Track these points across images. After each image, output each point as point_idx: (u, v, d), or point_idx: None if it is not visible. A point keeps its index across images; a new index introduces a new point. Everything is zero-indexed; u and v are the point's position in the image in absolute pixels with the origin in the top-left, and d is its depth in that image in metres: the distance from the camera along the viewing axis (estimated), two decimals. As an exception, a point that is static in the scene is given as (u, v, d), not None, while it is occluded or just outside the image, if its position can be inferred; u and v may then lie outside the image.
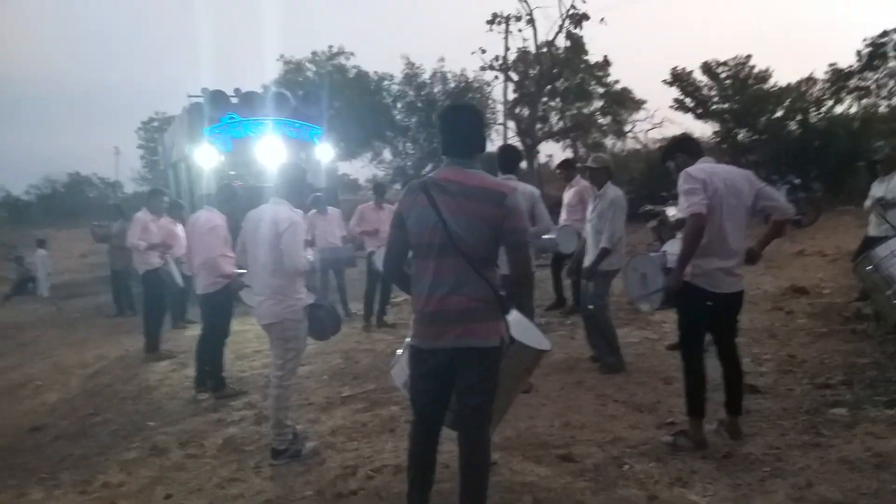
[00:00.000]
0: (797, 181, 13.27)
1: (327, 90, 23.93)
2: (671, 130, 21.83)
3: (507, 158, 5.42)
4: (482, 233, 2.80)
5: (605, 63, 24.14)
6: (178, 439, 5.00)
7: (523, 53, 20.82)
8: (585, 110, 26.47)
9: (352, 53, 26.21)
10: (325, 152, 12.61)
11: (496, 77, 21.86)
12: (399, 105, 23.96)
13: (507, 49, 20.29)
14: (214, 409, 5.62)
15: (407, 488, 3.08)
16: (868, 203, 7.42)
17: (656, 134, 23.45)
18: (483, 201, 2.80)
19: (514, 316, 3.46)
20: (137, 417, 5.72)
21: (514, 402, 4.90)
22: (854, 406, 4.35)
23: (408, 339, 3.10)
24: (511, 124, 22.56)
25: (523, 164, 20.11)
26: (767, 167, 16.46)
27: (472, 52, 23.06)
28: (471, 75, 22.72)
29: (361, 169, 26.64)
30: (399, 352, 3.45)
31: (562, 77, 21.60)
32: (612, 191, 5.63)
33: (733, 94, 17.80)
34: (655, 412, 4.64)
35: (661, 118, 25.21)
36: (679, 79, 18.20)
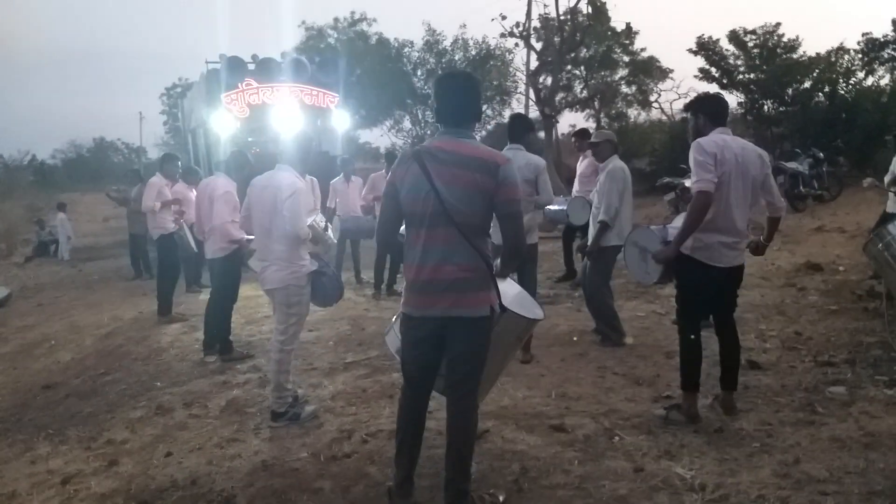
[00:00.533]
0: (820, 155, 12.98)
1: (348, 57, 23.91)
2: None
3: (517, 127, 5.37)
4: (475, 202, 2.79)
5: (631, 31, 23.70)
6: (182, 399, 5.11)
7: (545, 20, 20.44)
8: (610, 79, 26.07)
9: (374, 20, 26.03)
10: (341, 119, 12.58)
11: (517, 45, 21.51)
12: (419, 73, 23.73)
13: (528, 16, 20.00)
14: (221, 372, 5.72)
15: (395, 452, 3.13)
16: (888, 178, 7.25)
17: (682, 104, 23.01)
18: (476, 171, 2.78)
19: (507, 284, 3.47)
20: (146, 378, 5.84)
21: (514, 373, 5.01)
22: (854, 385, 4.30)
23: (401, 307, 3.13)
24: (532, 93, 22.22)
25: (541, 134, 19.84)
26: (794, 140, 16.14)
27: (493, 19, 22.77)
28: (492, 42, 22.44)
29: (381, 137, 26.42)
30: (394, 318, 3.47)
31: (583, 45, 21.17)
32: (612, 163, 5.54)
33: (761, 64, 17.38)
34: (654, 386, 4.64)
35: (687, 88, 24.83)
36: (705, 48, 17.79)
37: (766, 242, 3.98)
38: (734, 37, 17.41)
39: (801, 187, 12.52)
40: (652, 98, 25.83)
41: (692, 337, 3.81)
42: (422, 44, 23.27)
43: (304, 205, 4.17)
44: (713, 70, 18.06)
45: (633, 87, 26.18)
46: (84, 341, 7.47)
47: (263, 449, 4.04)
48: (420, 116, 23.85)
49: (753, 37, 17.34)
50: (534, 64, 21.76)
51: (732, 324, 3.95)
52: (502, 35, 21.02)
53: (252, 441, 4.19)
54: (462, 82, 3.00)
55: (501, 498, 3.11)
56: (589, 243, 5.63)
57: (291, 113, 11.71)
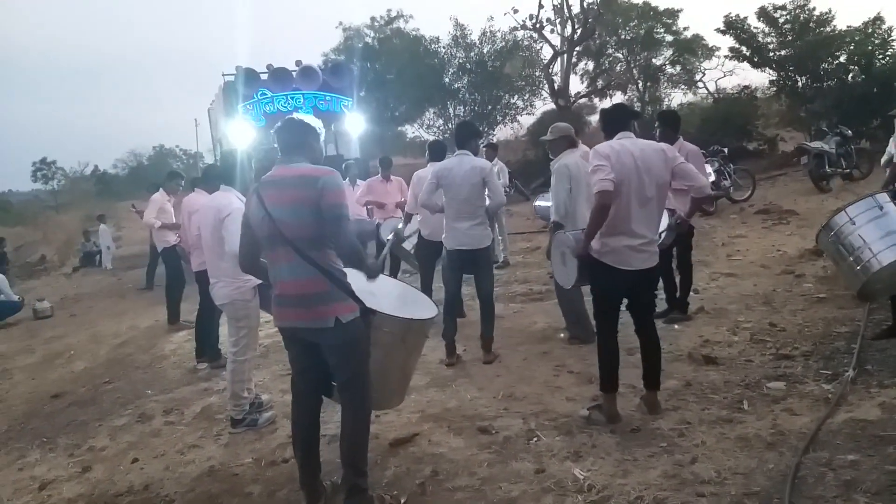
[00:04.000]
0: (848, 132, 12.51)
1: (385, 55, 24.23)
2: (743, 78, 20.78)
3: (462, 134, 5.54)
4: (302, 216, 3.02)
5: (674, 10, 23.14)
6: (164, 407, 5.43)
7: (558, 10, 20.22)
8: (654, 60, 25.53)
9: (410, 16, 26.20)
10: (355, 123, 12.83)
11: (530, 37, 21.34)
12: (449, 69, 23.83)
13: (540, 6, 19.83)
14: (206, 379, 6.04)
15: (299, 467, 3.35)
16: (884, 159, 7.04)
17: (727, 83, 22.31)
18: (300, 187, 3.04)
19: (391, 287, 3.64)
20: (141, 385, 6.22)
21: (472, 374, 5.15)
22: (796, 380, 4.27)
23: None
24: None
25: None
26: (829, 117, 15.57)
27: (505, 13, 22.70)
28: (519, 34, 22.30)
29: (413, 134, 26.58)
30: None
31: (595, 33, 20.83)
32: (558, 161, 5.54)
33: (793, 40, 16.80)
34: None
35: (732, 66, 23.84)
36: (732, 26, 17.30)
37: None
38: (763, 13, 16.86)
39: (827, 167, 12.10)
40: (696, 77, 25.23)
41: (608, 339, 3.86)
42: (449, 39, 23.33)
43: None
44: (743, 49, 17.55)
45: (678, 68, 25.62)
46: (100, 351, 7.94)
47: (216, 454, 4.29)
48: (451, 112, 23.95)
49: (784, 12, 16.77)
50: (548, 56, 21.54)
51: (651, 324, 3.99)
52: (513, 29, 20.96)
53: (210, 447, 4.45)
54: (292, 122, 3.28)
55: (403, 500, 3.27)
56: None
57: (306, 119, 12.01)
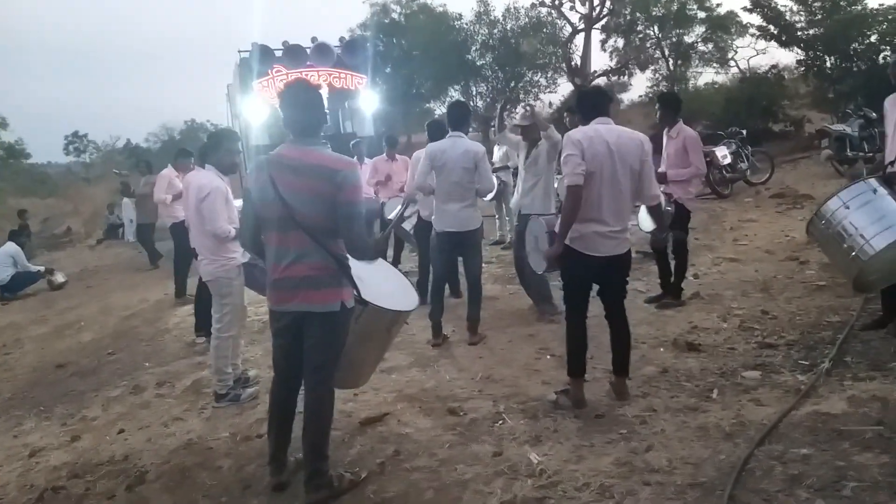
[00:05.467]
0: (873, 115, 12.13)
1: (410, 31, 24.08)
2: (771, 57, 20.12)
3: (456, 115, 5.52)
4: (317, 207, 3.01)
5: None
6: (158, 379, 5.57)
7: None
8: (686, 38, 24.96)
9: (437, -9, 25.88)
10: (369, 100, 12.83)
11: (548, 13, 21.01)
12: (473, 45, 23.62)
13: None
14: (202, 353, 6.14)
15: (267, 432, 3.42)
16: None
17: (759, 61, 21.65)
18: (317, 178, 3.01)
19: (384, 275, 3.67)
20: (140, 357, 6.38)
21: (455, 355, 5.19)
22: (773, 369, 4.22)
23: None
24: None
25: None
26: (858, 98, 15.12)
27: None
28: (543, 11, 21.98)
29: (440, 111, 26.42)
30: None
31: (612, 13, 20.43)
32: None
33: (823, 19, 16.28)
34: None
35: (764, 45, 23.09)
36: (759, 5, 16.82)
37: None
38: (793, -11, 16.36)
39: (849, 150, 11.78)
40: (729, 55, 24.58)
41: (576, 324, 3.86)
42: (472, 16, 23.10)
43: (220, 204, 4.43)
44: (771, 27, 17.07)
45: (710, 45, 25.01)
46: (108, 322, 8.15)
47: (196, 428, 4.41)
48: (473, 91, 23.79)
49: (814, -11, 16.24)
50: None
51: (621, 311, 3.98)
52: (532, 5, 20.66)
53: (192, 420, 4.57)
54: (305, 93, 3.18)
55: (363, 475, 3.34)
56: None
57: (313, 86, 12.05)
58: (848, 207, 4.25)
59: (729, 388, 3.99)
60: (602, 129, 3.70)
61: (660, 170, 5.98)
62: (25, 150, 31.61)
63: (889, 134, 4.77)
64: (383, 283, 3.58)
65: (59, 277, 11.34)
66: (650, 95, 22.67)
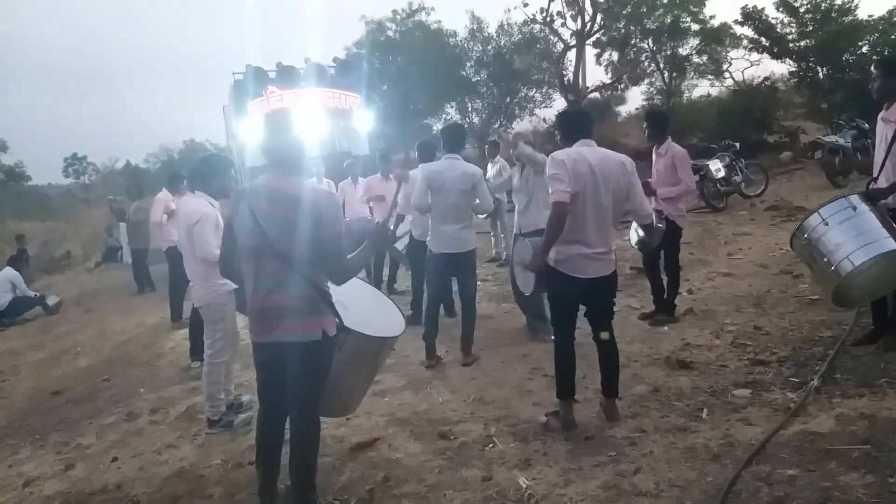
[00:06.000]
0: (865, 125, 12.21)
1: (406, 49, 24.23)
2: (765, 69, 20.21)
3: (452, 137, 5.55)
4: (296, 237, 3.03)
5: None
6: (152, 405, 5.57)
7: (571, 3, 19.94)
8: (681, 50, 25.10)
9: (432, 9, 26.05)
10: (364, 120, 12.90)
11: (541, 30, 21.13)
12: (467, 62, 23.77)
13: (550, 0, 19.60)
14: (197, 378, 6.10)
15: (257, 472, 3.41)
16: None
17: (754, 72, 21.73)
18: (294, 209, 3.03)
19: (368, 300, 3.68)
20: (136, 383, 6.39)
21: (448, 376, 5.20)
22: (764, 387, 4.23)
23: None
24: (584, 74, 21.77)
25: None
26: (851, 109, 15.19)
27: (514, 7, 22.49)
28: (537, 27, 22.12)
29: (438, 128, 26.50)
30: None
31: (603, 28, 20.56)
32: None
33: (814, 30, 16.40)
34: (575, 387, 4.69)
35: (758, 56, 23.18)
36: (750, 17, 16.95)
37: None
38: (783, 3, 16.46)
39: (842, 162, 11.83)
40: (724, 67, 24.67)
41: (564, 345, 3.87)
42: (465, 33, 23.28)
43: (209, 230, 4.46)
44: (763, 40, 17.20)
45: (705, 57, 25.15)
46: (104, 347, 8.17)
47: (189, 455, 4.40)
48: (469, 107, 23.91)
49: (805, 1, 16.37)
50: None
51: (609, 331, 3.98)
52: (525, 22, 20.84)
53: (185, 447, 4.57)
54: (283, 124, 3.21)
55: (352, 503, 3.34)
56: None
57: (315, 117, 12.15)
58: (827, 224, 4.29)
59: (719, 406, 4.00)
60: (585, 152, 3.74)
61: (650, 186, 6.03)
62: (25, 172, 31.76)
63: (876, 149, 4.82)
64: (368, 310, 3.60)
65: (52, 300, 11.38)
66: (645, 107, 22.79)
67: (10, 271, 11.42)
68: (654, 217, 5.71)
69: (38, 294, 11.68)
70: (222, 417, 4.74)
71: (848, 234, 4.25)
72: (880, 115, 4.74)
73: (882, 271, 4.15)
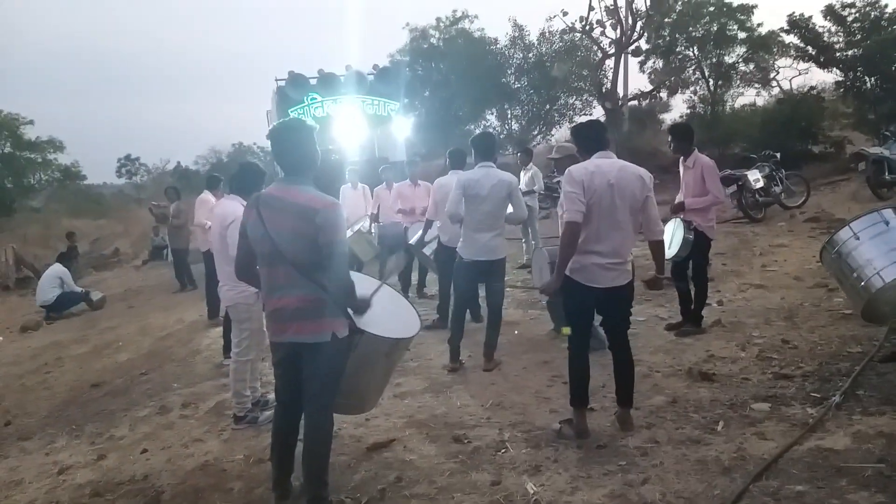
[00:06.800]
0: (912, 135, 11.88)
1: (451, 56, 24.40)
2: (809, 78, 19.83)
3: (485, 146, 5.56)
4: (300, 244, 3.16)
5: (748, 6, 22.31)
6: (184, 400, 5.76)
7: (612, 11, 19.78)
8: (727, 58, 24.71)
9: (475, 16, 26.15)
10: (401, 126, 13.08)
11: (581, 38, 21.00)
12: (508, 70, 23.82)
13: (590, 8, 19.48)
14: (228, 374, 6.33)
15: (270, 457, 3.53)
16: None
17: (801, 81, 21.26)
18: (298, 217, 3.15)
19: (386, 302, 3.76)
20: (171, 378, 6.60)
21: (469, 381, 5.26)
22: (784, 401, 4.19)
23: None
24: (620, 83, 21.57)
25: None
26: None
27: (554, 16, 22.40)
28: (577, 36, 22.02)
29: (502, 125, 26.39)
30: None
31: (643, 37, 20.34)
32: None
33: (862, 39, 16.00)
34: (594, 396, 4.67)
35: (806, 66, 22.65)
36: (796, 25, 16.62)
37: (659, 275, 3.99)
38: (830, 11, 16.12)
39: (887, 174, 11.51)
40: (770, 76, 24.21)
41: (578, 353, 3.90)
42: (506, 40, 23.31)
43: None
44: (809, 48, 16.85)
45: (751, 66, 24.71)
46: (144, 343, 8.44)
47: (214, 449, 4.56)
48: (509, 114, 23.94)
49: (853, 10, 15.99)
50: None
51: (624, 341, 4.00)
52: (563, 32, 20.76)
53: (212, 442, 4.72)
54: (293, 133, 3.31)
55: (363, 501, 3.43)
56: None
57: (354, 123, 12.41)
58: (858, 238, 4.23)
59: (736, 420, 3.97)
60: (603, 164, 3.76)
61: (678, 199, 6.00)
62: (81, 172, 32.79)
63: None
64: (384, 311, 3.69)
65: (96, 295, 11.80)
66: (687, 116, 22.49)
67: (58, 267, 11.86)
68: (683, 230, 5.71)
69: (83, 290, 12.10)
70: (248, 414, 4.88)
71: (879, 249, 4.20)
72: None
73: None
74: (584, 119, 23.05)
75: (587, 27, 20.02)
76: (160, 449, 4.74)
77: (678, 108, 25.53)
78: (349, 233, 9.14)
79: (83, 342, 9.13)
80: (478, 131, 25.83)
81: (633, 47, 20.03)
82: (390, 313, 3.67)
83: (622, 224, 3.74)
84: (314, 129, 3.35)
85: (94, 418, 5.77)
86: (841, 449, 3.36)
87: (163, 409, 5.61)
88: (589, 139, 3.95)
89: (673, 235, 5.71)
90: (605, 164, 3.77)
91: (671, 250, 5.69)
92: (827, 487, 2.99)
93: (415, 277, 8.88)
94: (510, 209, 5.52)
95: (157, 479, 4.20)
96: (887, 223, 4.30)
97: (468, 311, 6.32)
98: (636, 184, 3.76)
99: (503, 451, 3.84)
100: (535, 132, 23.82)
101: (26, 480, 4.61)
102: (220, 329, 8.25)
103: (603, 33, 20.18)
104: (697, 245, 5.83)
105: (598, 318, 4.14)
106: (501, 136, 24.61)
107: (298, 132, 3.31)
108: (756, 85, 24.49)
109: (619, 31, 19.78)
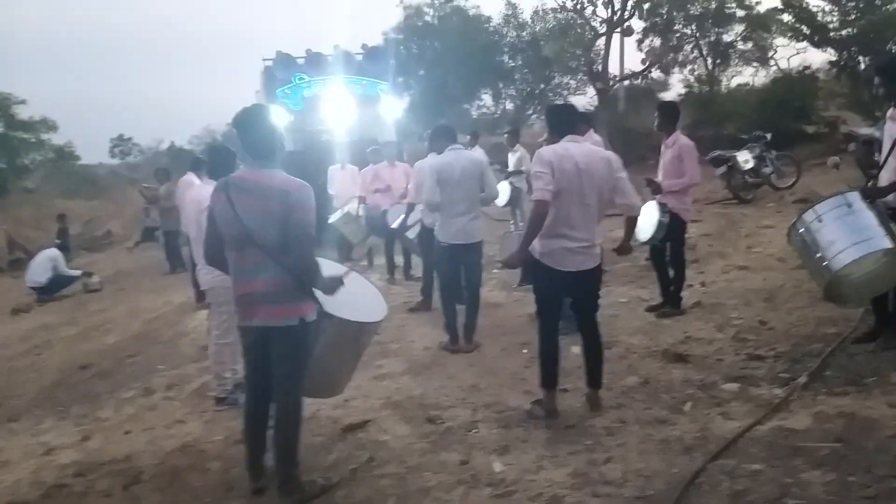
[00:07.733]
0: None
1: (445, 33, 24.24)
2: (804, 59, 19.68)
3: (445, 133, 5.70)
4: (272, 226, 3.20)
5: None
6: (168, 382, 5.84)
7: None
8: (725, 37, 24.58)
9: (470, -7, 25.84)
10: (392, 107, 13.04)
11: (572, 18, 20.86)
12: (504, 49, 23.69)
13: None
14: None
15: (245, 449, 3.60)
16: None
17: (800, 60, 21.16)
18: (270, 199, 3.19)
19: (353, 286, 3.81)
20: (156, 360, 6.67)
21: (447, 362, 5.32)
22: (753, 382, 4.26)
23: None
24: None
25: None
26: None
27: None
28: (570, 14, 21.87)
29: (478, 112, 26.30)
30: None
31: (635, 16, 20.21)
32: None
33: (857, 18, 15.91)
34: (569, 377, 4.75)
35: (804, 44, 22.49)
36: (790, 5, 16.51)
37: (626, 242, 4.06)
38: (826, -12, 16.02)
39: (877, 155, 11.50)
40: (769, 54, 24.07)
41: (548, 335, 3.97)
42: (500, 19, 23.17)
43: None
44: (803, 27, 16.74)
45: (750, 44, 24.58)
46: (132, 325, 8.50)
47: (194, 431, 4.64)
48: (503, 94, 23.84)
49: (847, -12, 15.90)
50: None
51: (593, 324, 4.06)
52: (553, 10, 20.64)
53: (193, 423, 4.81)
54: (258, 118, 3.36)
55: (335, 481, 3.51)
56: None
57: (342, 103, 12.37)
58: (821, 220, 4.27)
59: (704, 400, 4.05)
60: (572, 148, 3.80)
61: (656, 179, 6.02)
62: (74, 152, 32.58)
63: (883, 147, 4.77)
64: (352, 295, 3.75)
65: (95, 280, 11.84)
66: (683, 96, 22.41)
67: (52, 251, 11.90)
68: (658, 212, 5.75)
69: (82, 272, 12.15)
70: (228, 396, 4.95)
71: (842, 231, 4.23)
72: (888, 113, 4.70)
73: (875, 269, 4.13)
74: (579, 98, 23.18)
75: (578, 6, 19.89)
76: (143, 430, 4.81)
77: (676, 87, 25.48)
78: (339, 214, 9.17)
79: (73, 324, 9.19)
80: (473, 111, 25.86)
81: (625, 25, 19.87)
82: (358, 298, 3.72)
83: (590, 208, 3.79)
84: (277, 113, 3.38)
85: (81, 400, 5.84)
86: (801, 429, 3.43)
87: (147, 391, 5.69)
88: (561, 122, 3.99)
89: (647, 218, 5.76)
90: (574, 148, 3.81)
91: (645, 234, 5.74)
92: (782, 466, 3.07)
93: (400, 261, 8.90)
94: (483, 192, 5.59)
95: (139, 459, 4.28)
96: (850, 205, 4.33)
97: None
98: (604, 169, 3.80)
99: (474, 431, 3.92)
100: (530, 111, 23.74)
101: (12, 461, 4.68)
102: (206, 312, 8.35)
103: (594, 12, 20.04)
104: (672, 229, 5.86)
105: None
106: (496, 116, 24.55)
107: (262, 117, 3.36)
108: (755, 64, 24.40)
109: (609, 10, 19.66)
